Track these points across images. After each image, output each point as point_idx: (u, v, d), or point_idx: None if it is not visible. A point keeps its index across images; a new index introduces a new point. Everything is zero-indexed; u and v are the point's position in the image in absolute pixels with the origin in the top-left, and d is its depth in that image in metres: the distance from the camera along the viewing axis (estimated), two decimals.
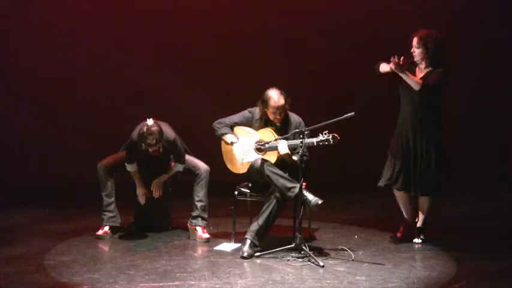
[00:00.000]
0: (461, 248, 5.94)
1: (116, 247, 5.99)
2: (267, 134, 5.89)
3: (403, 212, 6.16)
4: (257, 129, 5.99)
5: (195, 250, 5.93)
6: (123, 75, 8.66)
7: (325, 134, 5.50)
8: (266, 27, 8.82)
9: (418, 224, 6.14)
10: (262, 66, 8.72)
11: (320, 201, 5.59)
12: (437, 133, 5.98)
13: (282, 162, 5.84)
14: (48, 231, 6.48)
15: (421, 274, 5.25)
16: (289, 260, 5.52)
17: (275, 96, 5.83)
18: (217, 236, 6.25)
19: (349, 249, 5.74)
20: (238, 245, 5.82)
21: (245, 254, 5.60)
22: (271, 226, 5.76)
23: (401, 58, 5.85)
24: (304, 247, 5.57)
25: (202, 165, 6.24)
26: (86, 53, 8.66)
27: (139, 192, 6.26)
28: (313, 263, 5.45)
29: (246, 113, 6.07)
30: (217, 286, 4.95)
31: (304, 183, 5.63)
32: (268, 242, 5.74)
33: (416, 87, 5.86)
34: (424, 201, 6.08)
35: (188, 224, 6.24)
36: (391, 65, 5.81)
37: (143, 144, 5.91)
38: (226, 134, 6.03)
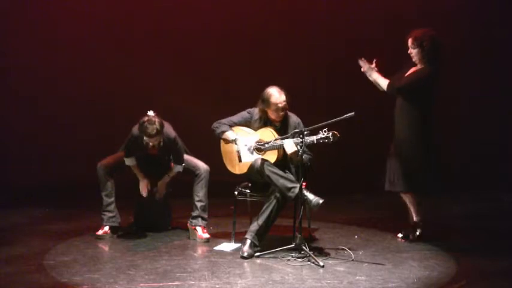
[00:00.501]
0: (461, 248, 5.94)
1: (116, 247, 5.99)
2: (267, 134, 5.89)
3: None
4: (256, 129, 5.98)
5: (195, 250, 5.93)
6: (123, 75, 8.66)
7: (325, 131, 5.50)
8: (266, 27, 8.83)
9: (411, 222, 6.14)
10: (262, 66, 8.72)
11: (321, 201, 5.59)
12: (422, 133, 5.94)
13: (282, 162, 5.84)
14: (48, 231, 6.48)
15: (421, 274, 5.25)
16: (289, 260, 5.52)
17: (276, 93, 5.83)
18: (217, 236, 6.26)
19: (349, 249, 5.74)
20: (238, 245, 5.82)
21: (245, 254, 5.60)
22: (271, 226, 5.76)
23: (374, 60, 5.92)
24: (304, 247, 5.57)
25: (202, 165, 6.24)
26: (86, 53, 8.66)
27: (142, 184, 6.25)
28: (313, 263, 5.45)
29: (244, 114, 6.07)
30: (217, 286, 4.96)
31: (304, 183, 5.63)
32: (268, 242, 5.74)
33: (384, 88, 5.97)
34: (405, 197, 6.07)
35: (188, 224, 6.24)
36: (362, 68, 5.99)
37: (143, 135, 5.90)
38: (225, 131, 6.02)
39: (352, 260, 5.56)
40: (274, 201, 5.70)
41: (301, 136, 5.57)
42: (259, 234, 5.68)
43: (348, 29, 8.76)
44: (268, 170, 5.73)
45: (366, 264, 5.48)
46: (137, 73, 8.67)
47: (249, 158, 5.93)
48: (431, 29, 5.98)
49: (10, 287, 4.95)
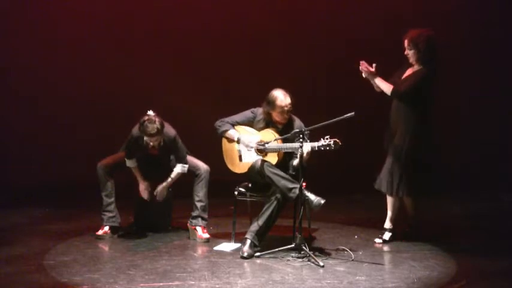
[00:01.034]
0: (461, 248, 5.94)
1: (116, 247, 5.99)
2: (268, 135, 5.89)
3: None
4: (259, 130, 5.98)
5: (195, 250, 5.93)
6: (123, 75, 8.66)
7: (327, 138, 5.50)
8: (266, 27, 8.83)
9: (385, 224, 6.13)
10: (262, 66, 8.73)
11: (322, 201, 5.59)
12: (414, 133, 5.93)
13: (283, 164, 5.84)
14: (48, 231, 6.48)
15: (421, 274, 5.25)
16: (289, 260, 5.52)
17: (281, 95, 5.83)
18: (217, 236, 6.26)
19: (349, 249, 5.74)
20: (238, 245, 5.82)
21: (245, 254, 5.60)
22: (272, 227, 5.76)
23: (374, 65, 5.92)
24: (304, 247, 5.57)
25: (202, 165, 6.24)
26: (86, 53, 8.66)
27: (142, 187, 6.25)
28: (313, 263, 5.45)
29: (248, 113, 6.06)
30: (217, 286, 4.96)
31: (304, 183, 5.63)
32: (268, 242, 5.74)
33: (388, 92, 5.95)
34: (389, 199, 6.08)
35: (188, 224, 6.24)
36: (362, 73, 6.00)
37: (143, 134, 5.89)
38: (228, 130, 6.02)
39: (352, 260, 5.56)
40: (275, 202, 5.70)
41: (301, 136, 5.57)
42: (260, 234, 5.68)
43: (348, 29, 8.76)
44: (269, 171, 5.73)
45: (366, 264, 5.48)
46: (137, 73, 8.67)
47: (250, 158, 5.93)
48: (428, 29, 5.96)
49: (10, 287, 4.96)
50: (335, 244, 5.99)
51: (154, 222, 6.48)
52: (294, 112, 5.96)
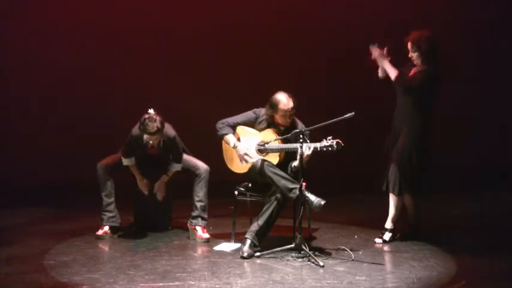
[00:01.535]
0: (461, 248, 5.94)
1: (116, 247, 5.99)
2: (269, 135, 5.88)
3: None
4: (260, 131, 5.98)
5: (195, 250, 5.92)
6: (123, 75, 8.67)
7: (329, 139, 5.50)
8: (266, 27, 8.83)
9: (385, 224, 6.13)
10: (262, 66, 8.74)
11: (323, 202, 5.58)
12: (417, 132, 5.94)
13: (283, 164, 5.83)
14: (48, 231, 6.48)
15: (421, 274, 5.25)
16: (289, 260, 5.52)
17: (284, 99, 5.82)
18: (217, 236, 6.25)
19: (349, 249, 5.74)
20: (238, 245, 5.82)
21: (245, 254, 5.60)
22: (272, 227, 5.76)
23: (385, 48, 5.92)
24: (304, 247, 5.57)
25: (202, 165, 6.24)
26: (86, 54, 8.67)
27: (141, 184, 6.25)
28: (313, 263, 5.45)
29: (250, 114, 6.05)
30: (217, 286, 4.95)
31: (304, 183, 5.62)
32: (268, 242, 5.74)
33: (392, 77, 5.96)
34: (390, 198, 6.08)
35: (188, 224, 6.24)
36: (372, 53, 6.00)
37: (143, 133, 5.89)
38: (227, 134, 6.02)
39: (352, 260, 5.56)
40: (275, 202, 5.70)
41: (301, 136, 5.57)
42: (260, 234, 5.68)
43: (348, 29, 8.77)
44: (270, 171, 5.73)
45: (366, 264, 5.48)
46: (137, 73, 8.68)
47: (250, 159, 5.93)
48: (428, 30, 5.99)
49: (10, 287, 4.95)
50: (335, 244, 5.99)
51: (154, 222, 6.48)
52: (295, 112, 5.95)
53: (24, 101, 8.61)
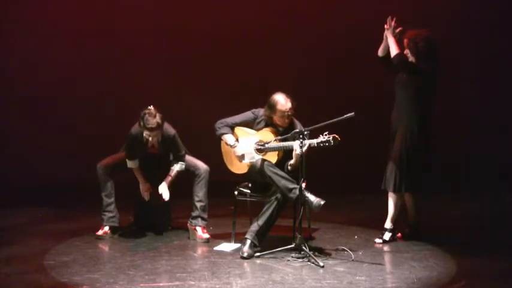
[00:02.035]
0: (461, 248, 5.94)
1: (116, 247, 5.99)
2: (267, 135, 5.88)
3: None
4: (258, 131, 5.98)
5: (195, 250, 5.93)
6: (123, 75, 8.67)
7: (326, 135, 5.50)
8: (266, 27, 8.83)
9: (385, 224, 6.13)
10: (262, 66, 8.73)
11: (322, 202, 5.58)
12: (416, 131, 5.94)
13: (282, 163, 5.83)
14: (48, 231, 6.48)
15: (421, 274, 5.25)
16: (289, 260, 5.52)
17: (282, 100, 5.82)
18: (217, 236, 6.25)
19: (349, 249, 5.74)
20: (238, 245, 5.82)
21: (245, 254, 5.60)
22: (272, 227, 5.76)
23: (400, 28, 5.95)
24: (304, 247, 5.57)
25: (202, 165, 6.24)
26: (86, 54, 8.66)
27: (143, 188, 6.25)
28: (313, 263, 5.45)
29: (248, 114, 6.05)
30: (217, 286, 4.95)
31: (304, 183, 5.61)
32: (268, 242, 5.74)
33: (392, 53, 5.93)
34: (392, 198, 6.08)
35: (188, 224, 6.24)
36: (386, 28, 6.00)
37: (143, 129, 5.89)
38: (225, 134, 6.02)
39: (352, 260, 5.56)
40: (275, 202, 5.70)
41: (301, 136, 5.57)
42: (260, 234, 5.68)
43: (348, 29, 8.77)
44: (270, 171, 5.73)
45: (366, 264, 5.48)
46: (137, 73, 8.68)
47: (249, 159, 5.93)
48: (426, 29, 5.99)
49: (10, 287, 4.95)
50: (335, 244, 5.99)
51: (154, 222, 6.48)
52: (293, 113, 5.94)
53: (24, 101, 8.61)
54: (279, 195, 5.70)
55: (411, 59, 5.98)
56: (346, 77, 8.74)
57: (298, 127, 5.84)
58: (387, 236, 6.08)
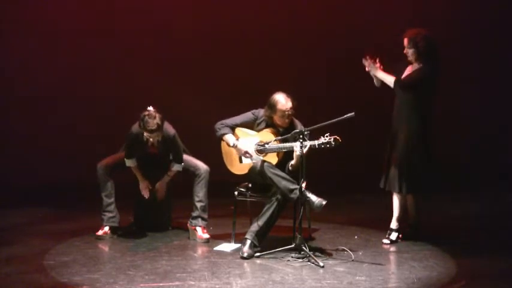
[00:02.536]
0: (461, 248, 5.94)
1: (116, 247, 5.99)
2: (268, 136, 5.88)
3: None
4: (258, 132, 5.98)
5: (195, 250, 5.93)
6: (123, 75, 8.66)
7: (327, 136, 5.49)
8: (266, 27, 8.83)
9: (391, 224, 6.12)
10: (262, 66, 8.73)
11: (324, 202, 5.58)
12: (416, 131, 5.94)
13: (282, 164, 5.83)
14: (48, 231, 6.48)
15: (421, 274, 5.25)
16: (289, 260, 5.52)
17: (282, 99, 5.81)
18: (217, 236, 6.25)
19: (349, 249, 5.74)
20: (238, 245, 5.82)
21: (245, 255, 5.60)
22: (272, 227, 5.76)
23: (377, 58, 5.95)
24: (304, 247, 5.57)
25: (202, 166, 6.24)
26: (86, 54, 8.65)
27: (142, 186, 6.25)
28: (313, 263, 5.45)
29: (249, 115, 6.05)
30: (217, 286, 4.96)
31: (304, 183, 5.61)
32: (268, 242, 5.74)
33: (391, 83, 5.98)
34: (394, 198, 6.07)
35: (188, 225, 6.24)
36: (366, 67, 6.03)
37: (143, 130, 5.89)
38: (226, 134, 6.01)
39: (352, 260, 5.56)
40: (275, 202, 5.70)
41: (301, 137, 5.56)
42: (260, 234, 5.68)
43: (348, 29, 8.77)
44: (270, 172, 5.73)
45: (366, 264, 5.48)
46: (137, 73, 8.67)
47: (250, 160, 5.93)
48: (426, 28, 5.99)
49: (10, 287, 4.95)
50: (335, 244, 5.99)
51: (154, 222, 6.48)
52: (294, 113, 5.94)
53: (24, 101, 8.60)
54: (279, 196, 5.69)
55: (410, 58, 5.98)
56: (346, 77, 8.72)
57: (299, 127, 5.84)
58: (394, 236, 6.08)
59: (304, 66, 8.76)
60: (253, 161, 5.90)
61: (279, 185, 5.68)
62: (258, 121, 6.00)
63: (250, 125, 6.03)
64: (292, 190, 5.64)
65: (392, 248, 5.95)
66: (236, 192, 5.99)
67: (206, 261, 5.60)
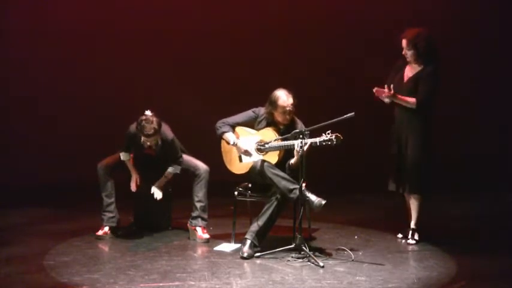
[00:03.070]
0: (461, 248, 5.94)
1: (116, 247, 5.99)
2: (269, 134, 5.88)
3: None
4: (259, 130, 5.97)
5: (195, 250, 5.93)
6: (123, 75, 8.66)
7: (328, 133, 5.49)
8: (266, 27, 8.83)
9: (411, 225, 6.12)
10: (262, 66, 8.73)
11: (323, 202, 5.58)
12: (424, 132, 5.94)
13: (282, 163, 5.83)
14: (48, 231, 6.48)
15: (421, 274, 5.26)
16: (289, 260, 5.51)
17: (283, 96, 5.82)
18: (217, 236, 6.25)
19: (349, 249, 5.74)
20: (238, 245, 5.82)
21: (245, 255, 5.60)
22: (272, 227, 5.76)
23: (386, 86, 5.87)
24: (304, 247, 5.57)
25: (201, 166, 6.24)
26: (87, 54, 8.65)
27: (132, 178, 6.23)
28: (313, 263, 5.45)
29: (249, 113, 6.04)
30: (217, 286, 4.96)
31: (304, 183, 5.61)
32: (268, 242, 5.74)
33: (413, 106, 5.89)
34: (413, 200, 6.07)
35: (188, 225, 6.24)
36: (384, 99, 5.93)
37: (140, 134, 5.90)
38: (226, 132, 6.00)
39: (352, 260, 5.56)
40: (275, 202, 5.70)
41: (301, 136, 5.56)
42: (260, 234, 5.68)
43: (348, 29, 8.77)
44: (270, 172, 5.73)
45: (366, 264, 5.48)
46: (137, 73, 8.67)
47: (250, 159, 5.93)
48: (425, 29, 5.96)
49: (10, 287, 4.95)
50: (335, 244, 5.99)
51: (154, 222, 6.48)
52: (294, 110, 5.94)
53: (24, 101, 8.60)
54: (278, 196, 5.69)
55: (409, 59, 5.96)
56: (346, 77, 8.73)
57: (300, 126, 5.84)
58: (417, 236, 6.05)
59: (304, 66, 8.76)
60: (254, 160, 5.89)
61: (278, 184, 5.68)
62: (258, 119, 5.99)
63: (251, 123, 6.03)
64: (291, 190, 5.64)
65: (392, 248, 5.95)
66: (236, 192, 5.99)
67: (206, 261, 5.60)
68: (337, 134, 5.47)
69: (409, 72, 6.00)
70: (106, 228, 6.24)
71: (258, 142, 5.93)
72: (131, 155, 6.25)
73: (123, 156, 6.20)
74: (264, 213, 5.72)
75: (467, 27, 8.61)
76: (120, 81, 8.64)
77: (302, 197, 5.57)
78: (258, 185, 5.95)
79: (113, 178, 6.24)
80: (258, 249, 5.67)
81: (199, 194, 6.18)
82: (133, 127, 6.06)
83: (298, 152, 5.57)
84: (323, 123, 5.58)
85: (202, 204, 6.18)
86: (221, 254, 5.78)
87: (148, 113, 5.95)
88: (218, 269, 5.33)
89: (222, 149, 6.11)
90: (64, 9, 8.64)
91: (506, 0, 8.51)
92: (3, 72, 8.53)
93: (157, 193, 6.23)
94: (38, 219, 6.99)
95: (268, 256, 5.61)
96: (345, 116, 5.53)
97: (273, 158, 5.84)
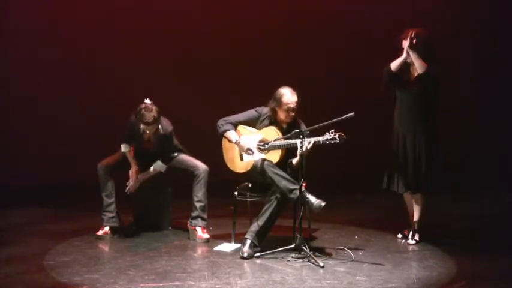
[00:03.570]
0: (461, 248, 5.94)
1: (116, 247, 5.99)
2: (271, 133, 5.88)
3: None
4: (262, 129, 5.97)
5: (194, 250, 5.93)
6: (123, 75, 8.67)
7: (332, 132, 5.49)
8: (266, 27, 8.84)
9: (414, 225, 6.11)
10: (262, 66, 8.73)
11: (323, 203, 5.57)
12: (430, 131, 5.94)
13: (283, 162, 5.83)
14: (48, 231, 6.48)
15: (421, 274, 5.26)
16: (289, 260, 5.51)
17: (288, 93, 5.82)
18: (217, 236, 6.25)
19: (349, 249, 5.74)
20: (238, 245, 5.82)
21: (245, 255, 5.60)
22: (272, 227, 5.76)
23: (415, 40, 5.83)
24: (304, 247, 5.57)
25: (201, 166, 6.24)
26: (87, 54, 8.66)
27: (132, 170, 6.25)
28: (313, 263, 5.45)
29: (252, 112, 6.04)
30: (217, 286, 4.95)
31: (304, 184, 5.61)
32: (268, 242, 5.74)
33: (421, 69, 5.83)
34: (416, 199, 6.07)
35: (188, 225, 6.24)
36: (407, 44, 5.82)
37: (140, 122, 5.92)
38: (229, 130, 6.00)
39: (352, 260, 5.56)
40: (275, 202, 5.70)
41: (301, 136, 5.56)
42: (260, 234, 5.68)
43: (348, 29, 8.77)
44: (271, 171, 5.73)
45: (366, 264, 5.48)
46: (137, 73, 8.68)
47: (251, 157, 5.93)
48: (424, 29, 5.96)
49: (10, 287, 4.95)
50: (335, 244, 5.99)
51: (155, 222, 6.48)
52: (298, 109, 5.92)
53: (24, 101, 8.61)
54: (278, 195, 5.69)
55: (409, 60, 5.95)
56: (346, 77, 8.73)
57: (302, 127, 5.84)
58: (417, 236, 6.05)
59: (304, 66, 8.77)
60: (255, 159, 5.89)
61: (279, 184, 5.68)
62: (261, 118, 5.99)
63: (253, 122, 6.03)
64: (292, 190, 5.64)
65: (392, 248, 5.95)
66: (236, 192, 5.99)
67: (206, 261, 5.60)
68: (340, 133, 5.47)
69: (414, 73, 5.99)
70: (106, 228, 6.24)
71: (259, 141, 5.93)
72: (131, 148, 6.27)
73: (123, 147, 6.22)
74: (263, 213, 5.72)
75: (467, 27, 8.62)
76: (120, 81, 8.65)
77: (302, 198, 5.57)
78: (258, 185, 5.95)
79: (113, 178, 6.24)
80: (258, 249, 5.67)
81: (199, 194, 6.18)
82: (133, 117, 6.09)
83: (301, 153, 5.57)
84: (323, 123, 5.58)
85: (202, 204, 6.18)
86: (221, 254, 5.78)
87: (147, 101, 5.97)
88: (218, 269, 5.33)
89: (223, 147, 6.11)
90: (64, 9, 8.65)
91: (506, 0, 8.51)
92: (3, 72, 8.54)
93: (132, 186, 6.20)
94: (38, 219, 6.99)
95: (268, 256, 5.61)
96: (345, 116, 5.52)
97: (274, 157, 5.84)
